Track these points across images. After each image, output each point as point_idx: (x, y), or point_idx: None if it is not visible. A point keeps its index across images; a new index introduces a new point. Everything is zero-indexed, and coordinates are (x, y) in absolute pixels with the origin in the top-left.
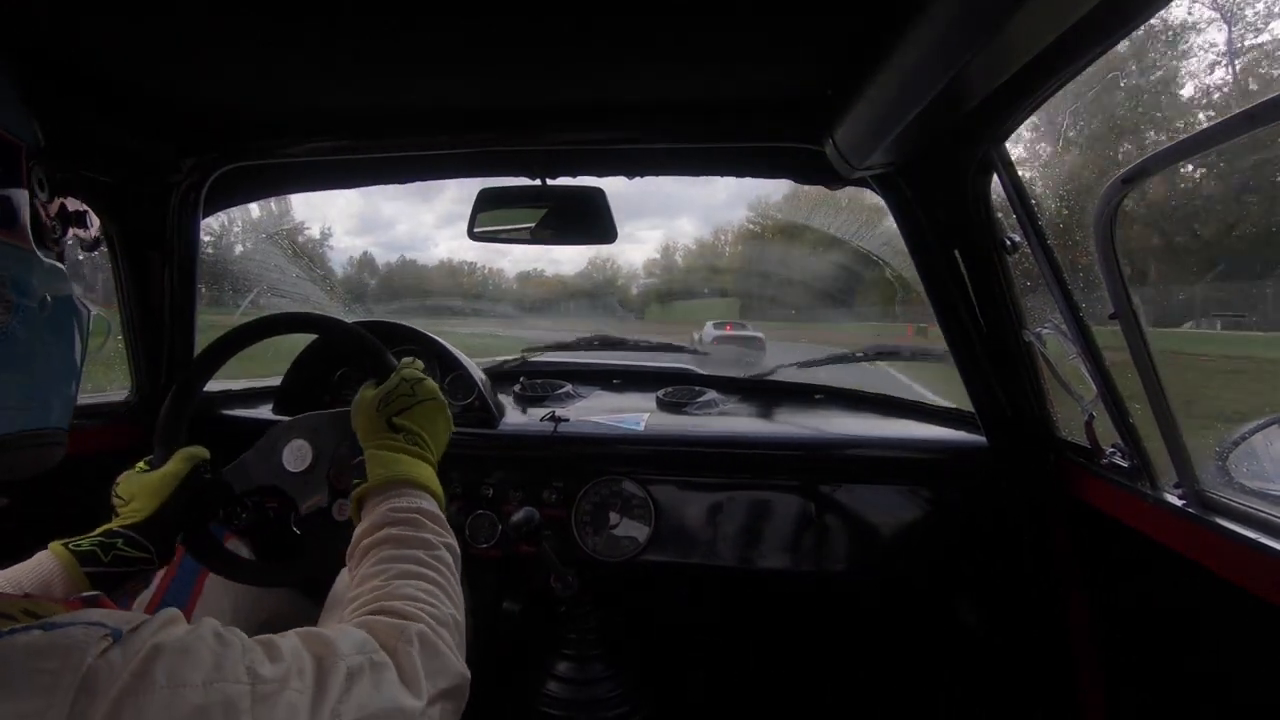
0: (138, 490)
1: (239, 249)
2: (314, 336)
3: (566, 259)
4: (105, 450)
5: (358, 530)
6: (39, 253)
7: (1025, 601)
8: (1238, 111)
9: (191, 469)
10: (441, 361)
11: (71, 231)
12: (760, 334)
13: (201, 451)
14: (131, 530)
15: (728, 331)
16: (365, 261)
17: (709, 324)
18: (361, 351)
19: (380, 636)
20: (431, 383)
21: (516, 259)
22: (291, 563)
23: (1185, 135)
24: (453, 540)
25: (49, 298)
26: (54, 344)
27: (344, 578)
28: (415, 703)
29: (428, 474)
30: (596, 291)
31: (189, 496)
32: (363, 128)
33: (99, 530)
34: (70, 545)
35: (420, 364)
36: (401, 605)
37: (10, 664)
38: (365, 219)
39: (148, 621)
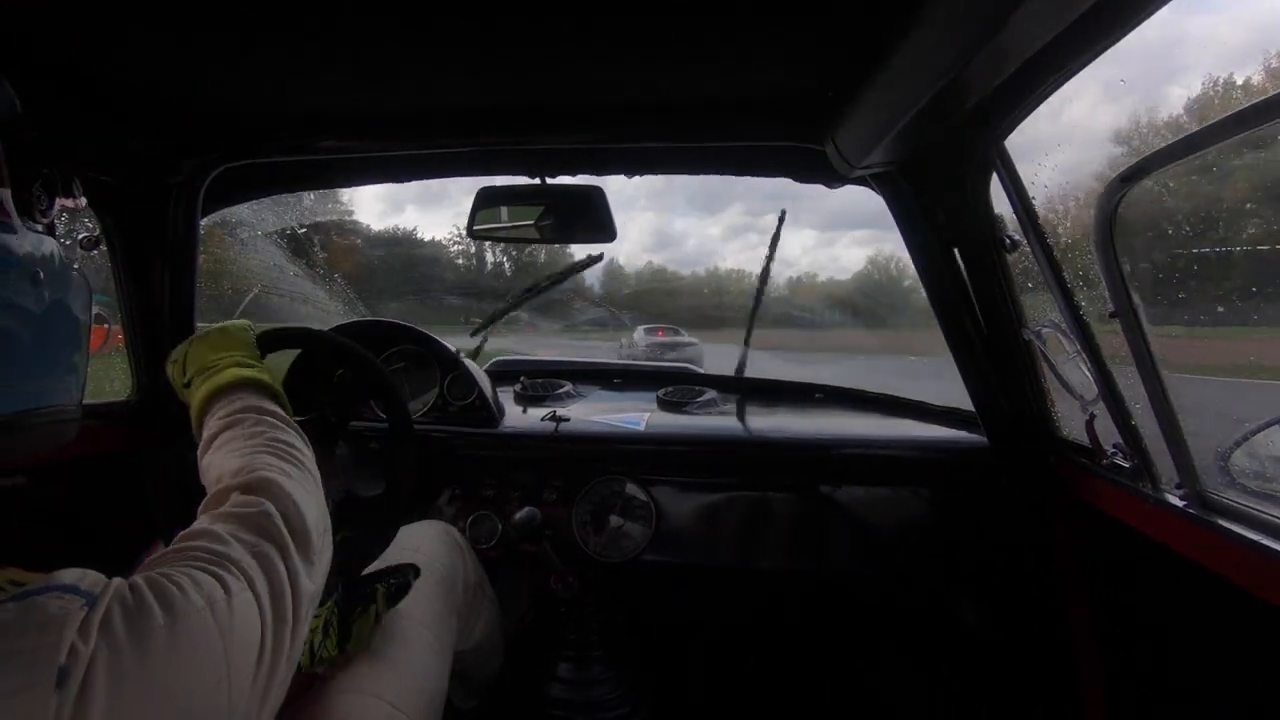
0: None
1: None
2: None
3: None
4: (106, 450)
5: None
6: (23, 223)
7: (1026, 601)
8: (1234, 111)
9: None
10: (441, 361)
11: (59, 202)
12: (695, 340)
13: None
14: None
15: (659, 338)
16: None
17: (640, 329)
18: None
19: (249, 519)
20: (187, 341)
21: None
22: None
23: (1185, 134)
24: (294, 426)
25: (42, 274)
26: (53, 317)
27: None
28: (315, 542)
29: (230, 375)
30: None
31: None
32: (362, 127)
33: None
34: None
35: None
36: (253, 478)
37: None
38: None
39: (107, 584)
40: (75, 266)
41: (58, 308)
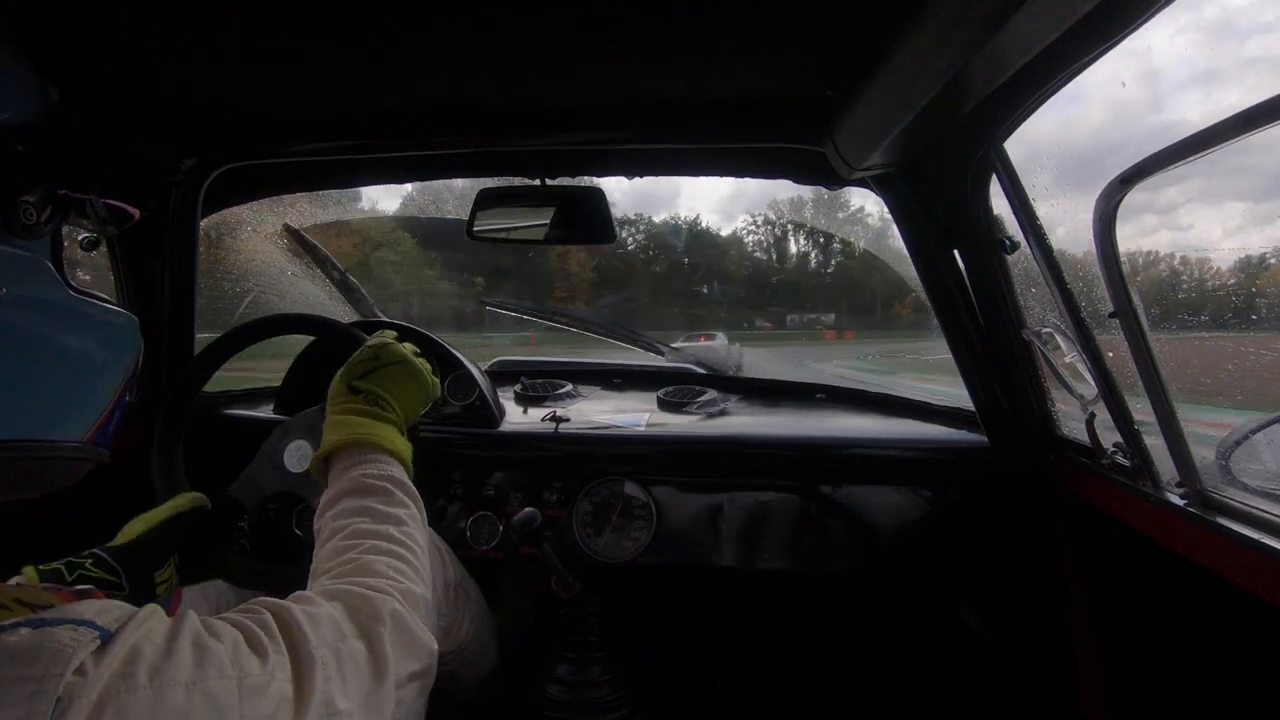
0: (133, 521)
1: None
2: (313, 338)
3: None
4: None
5: (325, 497)
6: (4, 241)
7: (1026, 600)
8: (1237, 112)
9: (191, 507)
10: (441, 361)
11: (60, 220)
12: (733, 344)
13: (201, 498)
14: (106, 553)
15: (700, 342)
16: None
17: (683, 336)
18: (335, 338)
19: (354, 615)
20: (400, 348)
21: None
22: (295, 566)
23: (1184, 135)
24: (421, 511)
25: (5, 289)
26: (29, 343)
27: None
28: (386, 687)
29: (387, 434)
30: None
31: (190, 525)
32: (362, 128)
33: (85, 552)
34: (40, 566)
35: (393, 334)
36: (374, 582)
37: None
38: None
39: (131, 619)
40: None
41: (28, 334)
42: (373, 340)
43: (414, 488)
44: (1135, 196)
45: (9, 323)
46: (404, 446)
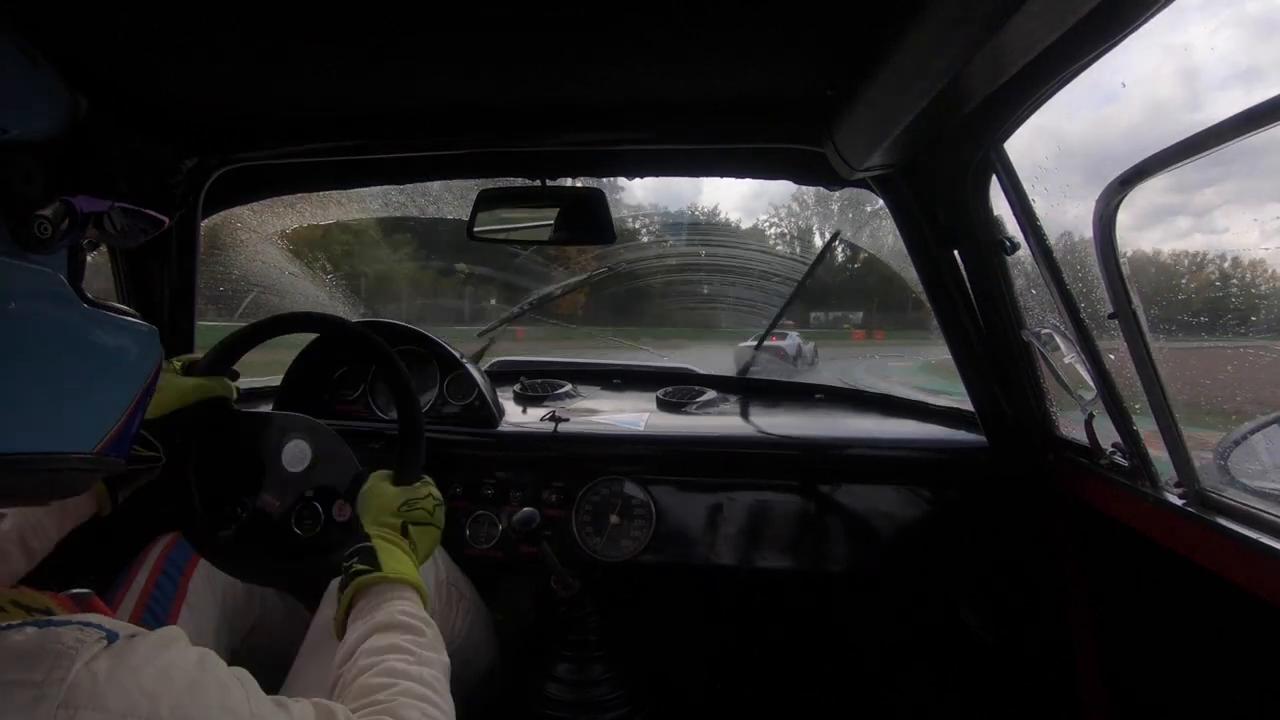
0: (165, 385)
1: None
2: (314, 336)
3: None
4: None
5: (361, 625)
6: (15, 255)
7: (1025, 600)
8: (1237, 113)
9: (220, 397)
10: (441, 361)
11: (79, 234)
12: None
13: (232, 389)
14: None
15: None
16: None
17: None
18: (378, 365)
19: None
20: (443, 510)
21: None
22: (291, 561)
23: (1184, 136)
24: (446, 658)
25: (13, 305)
26: (41, 357)
27: (334, 588)
28: None
29: (424, 586)
30: None
31: (220, 410)
32: (362, 129)
33: None
34: None
35: (435, 489)
36: None
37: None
38: None
39: (145, 636)
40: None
41: (37, 343)
42: (434, 490)
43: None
44: (1162, 198)
45: (18, 336)
46: (425, 589)
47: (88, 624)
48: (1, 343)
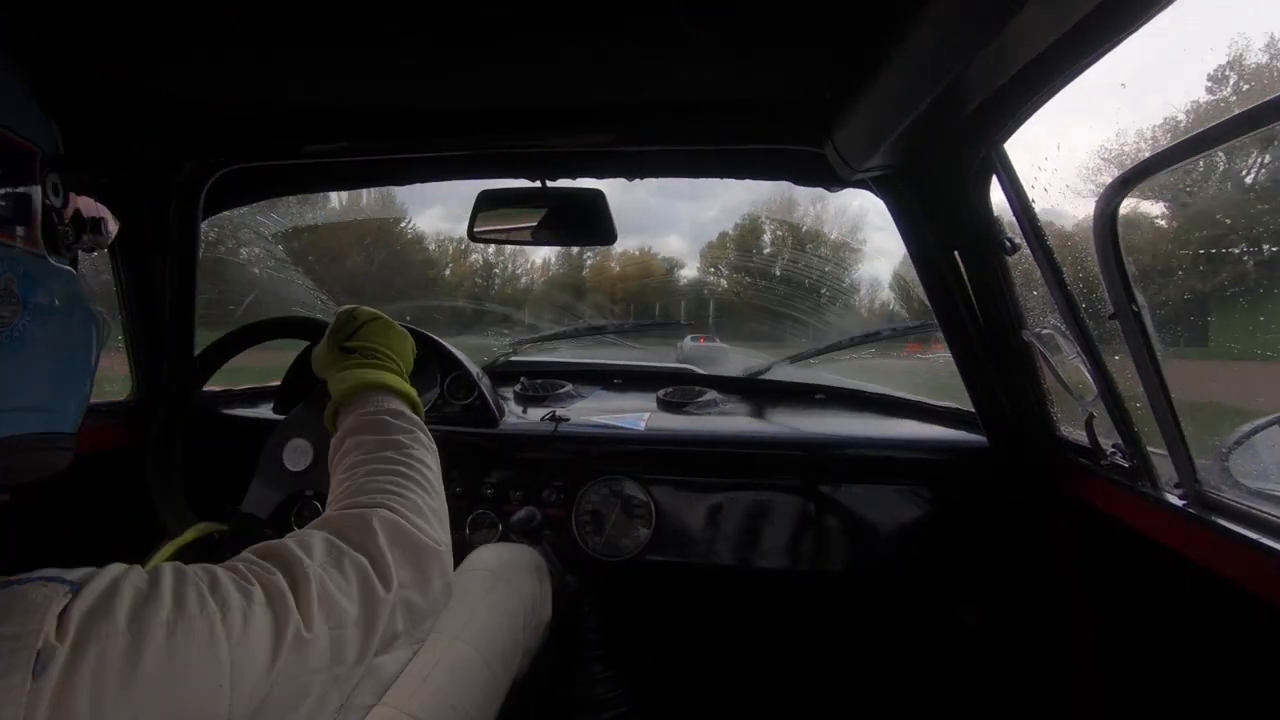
0: (159, 552)
1: None
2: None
3: None
4: (104, 450)
5: (332, 445)
6: (50, 258)
7: (1025, 601)
8: (1238, 112)
9: (211, 533)
10: (441, 361)
11: (87, 238)
12: (727, 346)
13: (211, 526)
14: None
15: (701, 344)
16: None
17: (688, 337)
18: (311, 330)
19: (344, 530)
20: (368, 308)
21: None
22: None
23: (1185, 135)
24: (426, 436)
25: (57, 302)
26: (64, 348)
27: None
28: (385, 593)
29: (390, 378)
30: None
31: (213, 547)
32: (363, 130)
33: None
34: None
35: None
36: (365, 498)
37: None
38: None
39: (102, 571)
40: (92, 301)
41: (69, 337)
42: (341, 308)
43: (419, 419)
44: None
45: (60, 330)
46: (411, 389)
47: (49, 579)
48: (50, 337)
